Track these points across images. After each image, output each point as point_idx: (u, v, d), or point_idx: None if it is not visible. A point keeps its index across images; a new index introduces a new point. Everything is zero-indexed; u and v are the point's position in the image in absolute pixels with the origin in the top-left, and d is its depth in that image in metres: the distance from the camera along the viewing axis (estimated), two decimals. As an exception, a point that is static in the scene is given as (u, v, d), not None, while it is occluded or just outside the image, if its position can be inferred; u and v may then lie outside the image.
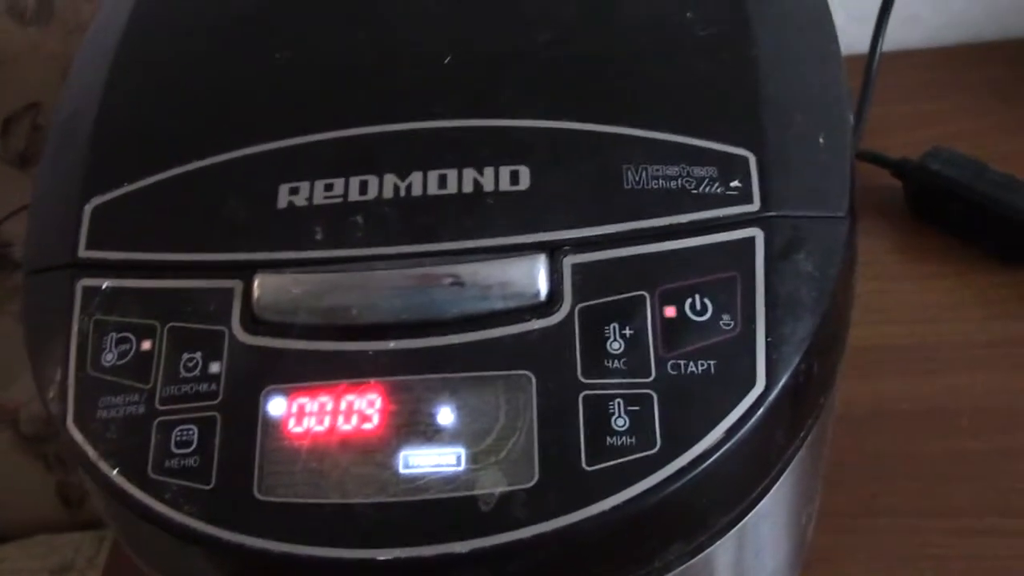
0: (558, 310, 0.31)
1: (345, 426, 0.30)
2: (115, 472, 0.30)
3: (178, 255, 0.33)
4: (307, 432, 0.30)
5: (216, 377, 0.31)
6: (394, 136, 0.34)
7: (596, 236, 0.32)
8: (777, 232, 0.32)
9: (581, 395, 0.30)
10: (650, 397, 0.30)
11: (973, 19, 0.72)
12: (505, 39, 0.37)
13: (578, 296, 0.31)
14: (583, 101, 0.35)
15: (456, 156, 0.33)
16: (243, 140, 0.35)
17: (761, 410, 0.30)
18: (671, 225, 0.32)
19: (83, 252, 0.34)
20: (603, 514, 0.29)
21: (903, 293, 0.58)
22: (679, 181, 0.33)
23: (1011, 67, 0.69)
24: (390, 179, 0.33)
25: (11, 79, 0.72)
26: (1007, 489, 0.50)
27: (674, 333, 0.30)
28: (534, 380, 0.30)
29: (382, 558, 0.29)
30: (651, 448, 0.29)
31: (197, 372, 0.31)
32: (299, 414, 0.30)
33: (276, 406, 0.30)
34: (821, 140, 0.34)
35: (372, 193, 0.33)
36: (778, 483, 0.33)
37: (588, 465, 0.29)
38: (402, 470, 0.29)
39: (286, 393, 0.31)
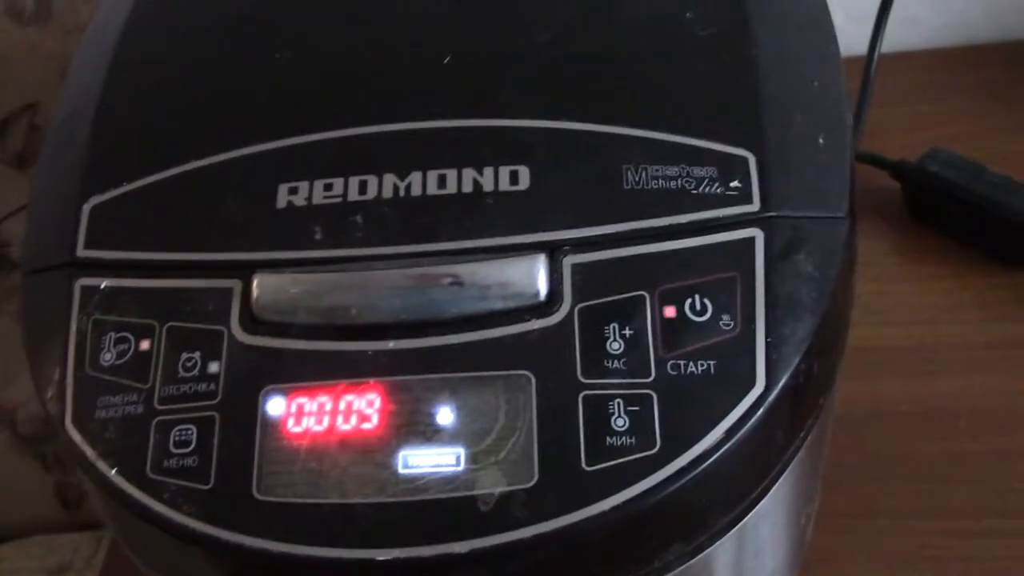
0: (558, 310, 0.31)
1: (344, 426, 0.30)
2: (114, 472, 0.30)
3: (177, 255, 0.33)
4: (306, 432, 0.30)
5: (215, 377, 0.31)
6: (393, 136, 0.34)
7: (596, 236, 0.32)
8: (777, 232, 0.32)
9: (581, 395, 0.30)
10: (650, 397, 0.30)
11: (971, 20, 0.72)
12: (505, 39, 0.37)
13: (578, 296, 0.31)
14: (583, 101, 0.35)
15: (456, 156, 0.33)
16: (242, 140, 0.35)
17: (761, 410, 0.30)
18: (671, 225, 0.32)
19: (81, 252, 0.34)
20: (603, 514, 0.29)
21: (901, 294, 0.58)
22: (679, 181, 0.33)
23: (1009, 69, 0.69)
24: (389, 179, 0.33)
25: (9, 79, 0.72)
26: (1005, 490, 0.50)
27: (674, 333, 0.30)
28: (534, 380, 0.30)
29: (381, 558, 0.29)
30: (651, 448, 0.29)
31: (196, 372, 0.31)
32: (298, 414, 0.30)
33: (275, 406, 0.30)
34: (821, 140, 0.34)
35: (371, 193, 0.33)
36: (778, 483, 0.33)
37: (588, 465, 0.29)
38: (401, 470, 0.29)
39: (285, 393, 0.30)
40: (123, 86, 0.38)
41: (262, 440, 0.30)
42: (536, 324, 0.31)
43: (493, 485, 0.29)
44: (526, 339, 0.30)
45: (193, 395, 0.31)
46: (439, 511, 0.29)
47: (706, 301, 0.31)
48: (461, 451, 0.29)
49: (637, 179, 0.33)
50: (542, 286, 0.31)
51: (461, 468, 0.29)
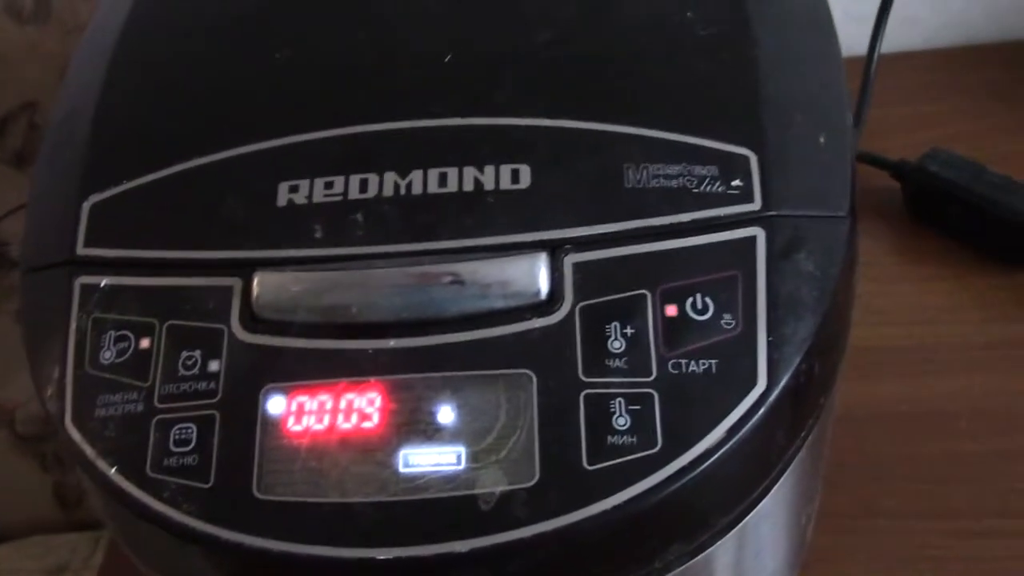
0: (559, 309, 0.31)
1: (345, 425, 0.30)
2: (113, 471, 0.30)
3: (177, 252, 0.33)
4: (306, 431, 0.30)
5: (215, 375, 0.31)
6: (394, 134, 0.34)
7: (597, 235, 0.32)
8: (778, 231, 0.32)
9: (582, 394, 0.30)
10: (651, 396, 0.30)
11: (972, 20, 0.72)
12: (506, 38, 0.37)
13: (579, 295, 0.31)
14: (584, 100, 0.35)
15: (457, 154, 0.33)
16: (242, 138, 0.35)
17: (762, 410, 0.30)
18: (672, 224, 0.32)
19: (81, 249, 0.34)
20: (604, 513, 0.28)
21: (901, 295, 0.58)
22: (680, 180, 0.33)
23: (1009, 69, 0.69)
24: (390, 177, 0.33)
25: (8, 78, 0.71)
26: (1005, 491, 0.49)
27: (675, 332, 0.30)
28: (535, 379, 0.30)
29: (382, 557, 0.29)
30: (652, 447, 0.29)
31: (196, 370, 0.31)
32: (298, 412, 0.30)
33: (275, 404, 0.30)
34: (822, 140, 0.34)
35: (372, 191, 0.33)
36: (779, 483, 0.33)
37: (589, 464, 0.29)
38: (402, 469, 0.29)
39: (285, 391, 0.30)
40: (123, 85, 0.37)
41: (262, 439, 0.30)
42: (537, 323, 0.31)
43: (494, 484, 0.29)
44: (527, 338, 0.30)
45: (193, 394, 0.31)
46: (440, 510, 0.29)
47: (707, 300, 0.31)
48: (462, 450, 0.29)
49: (638, 178, 0.33)
50: (543, 285, 0.31)
51: (462, 467, 0.29)
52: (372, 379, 0.30)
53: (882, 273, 0.59)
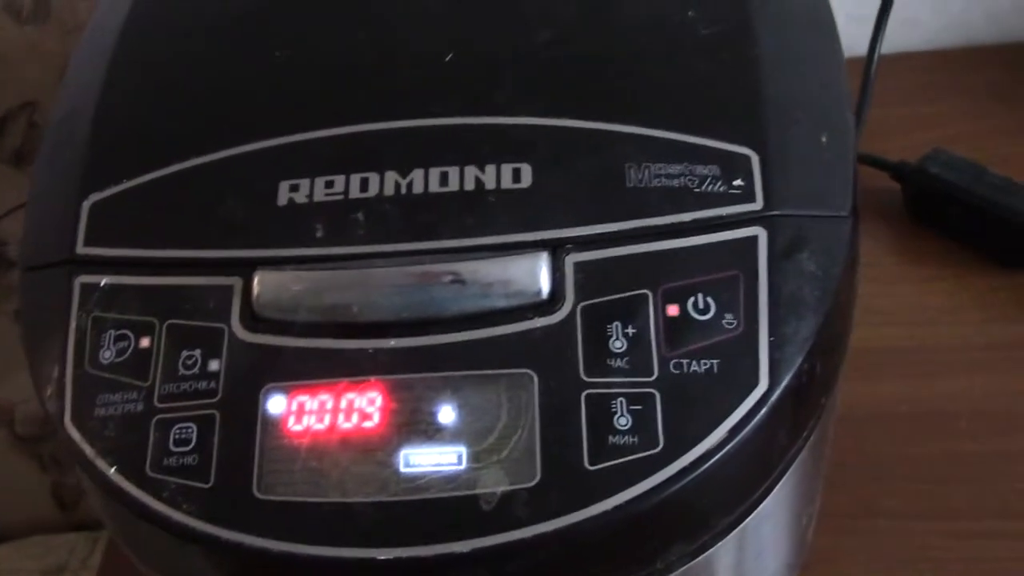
0: (560, 308, 0.31)
1: (345, 424, 0.30)
2: (113, 470, 0.30)
3: (177, 252, 0.33)
4: (307, 430, 0.30)
5: (215, 375, 0.31)
6: (396, 133, 0.34)
7: (598, 234, 0.32)
8: (780, 231, 0.32)
9: (583, 394, 0.30)
10: (653, 396, 0.29)
11: (972, 22, 0.72)
12: (507, 37, 0.37)
13: (580, 294, 0.31)
14: (585, 99, 0.34)
15: (458, 154, 0.33)
16: (243, 137, 0.35)
17: (764, 410, 0.29)
18: (674, 223, 0.32)
19: (81, 248, 0.34)
20: (605, 514, 0.28)
21: (902, 296, 0.58)
22: (682, 179, 0.32)
23: (1010, 70, 0.69)
24: (391, 176, 0.33)
25: (8, 78, 0.71)
26: (1006, 491, 0.49)
27: (677, 332, 0.30)
28: (536, 379, 0.30)
29: (382, 558, 0.28)
30: (654, 447, 0.29)
31: (196, 370, 0.31)
32: (299, 412, 0.30)
33: (276, 404, 0.30)
34: (823, 139, 0.34)
35: (373, 190, 0.33)
36: (780, 484, 0.33)
37: (590, 464, 0.29)
38: (403, 469, 0.29)
39: (286, 391, 0.30)
40: (122, 84, 0.37)
41: (262, 438, 0.30)
42: (538, 322, 0.31)
43: (495, 484, 0.29)
44: (528, 337, 0.30)
45: (193, 393, 0.31)
46: (440, 510, 0.29)
47: (709, 300, 0.31)
48: (463, 450, 0.29)
49: (640, 177, 0.33)
50: (544, 284, 0.31)
51: (463, 467, 0.29)
52: (373, 379, 0.30)
53: (882, 274, 0.59)
